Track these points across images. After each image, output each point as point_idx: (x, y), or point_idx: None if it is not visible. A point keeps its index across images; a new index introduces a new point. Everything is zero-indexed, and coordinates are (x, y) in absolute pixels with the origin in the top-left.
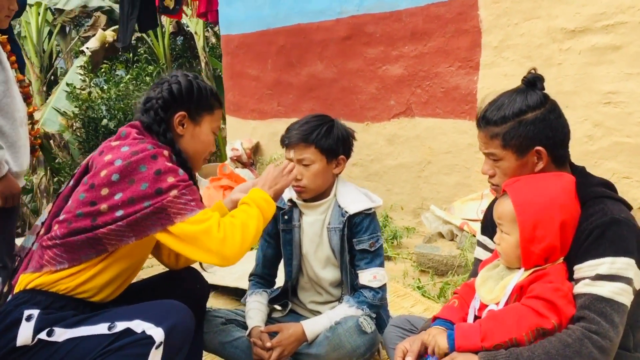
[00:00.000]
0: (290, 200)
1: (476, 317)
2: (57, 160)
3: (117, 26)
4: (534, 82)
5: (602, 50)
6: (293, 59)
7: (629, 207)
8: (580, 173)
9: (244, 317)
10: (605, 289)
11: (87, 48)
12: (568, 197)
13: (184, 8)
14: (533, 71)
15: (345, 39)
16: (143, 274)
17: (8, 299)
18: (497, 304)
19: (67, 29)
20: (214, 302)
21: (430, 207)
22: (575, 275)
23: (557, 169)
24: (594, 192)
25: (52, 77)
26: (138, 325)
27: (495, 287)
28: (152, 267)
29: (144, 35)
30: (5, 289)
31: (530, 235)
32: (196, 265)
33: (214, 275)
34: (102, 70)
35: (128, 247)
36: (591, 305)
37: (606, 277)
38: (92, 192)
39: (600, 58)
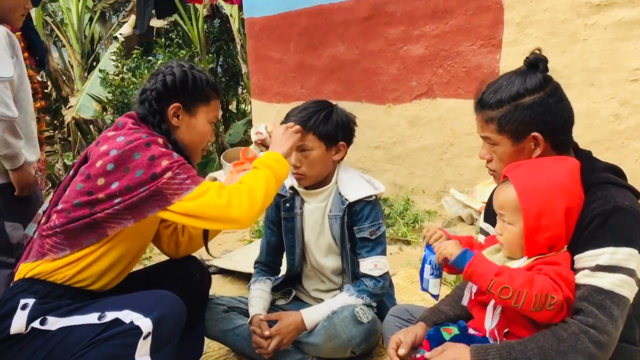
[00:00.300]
0: (292, 188)
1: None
2: None
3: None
4: (535, 63)
5: (629, 24)
6: (315, 40)
7: (638, 194)
8: (585, 157)
9: (247, 304)
10: (605, 281)
11: (120, 34)
12: (573, 182)
13: None
14: (537, 51)
15: (366, 19)
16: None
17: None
18: None
19: (107, 15)
20: (230, 287)
21: (450, 190)
22: (576, 265)
23: (558, 155)
24: (598, 177)
25: (94, 63)
26: (127, 316)
27: None
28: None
29: (177, 19)
30: None
31: (535, 224)
32: (200, 254)
33: (229, 261)
34: (134, 55)
35: (126, 232)
36: (590, 297)
37: (607, 268)
38: (89, 182)
39: (627, 33)
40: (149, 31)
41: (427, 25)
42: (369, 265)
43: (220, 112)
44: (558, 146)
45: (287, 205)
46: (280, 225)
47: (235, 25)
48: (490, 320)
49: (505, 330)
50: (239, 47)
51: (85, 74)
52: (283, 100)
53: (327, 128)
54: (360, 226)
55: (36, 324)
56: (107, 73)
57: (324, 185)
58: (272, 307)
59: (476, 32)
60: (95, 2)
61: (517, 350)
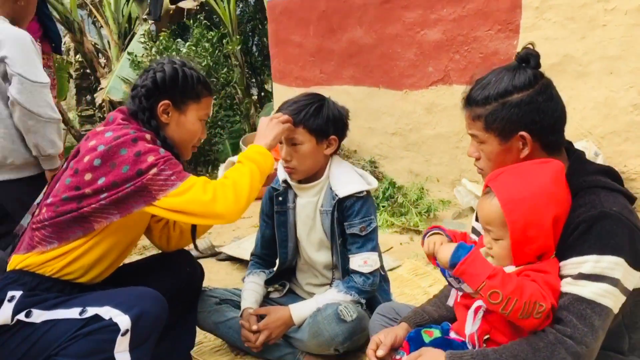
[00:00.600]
0: (285, 182)
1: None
2: None
3: None
4: (526, 58)
5: None
6: (334, 24)
7: (632, 199)
8: (576, 159)
9: (240, 297)
10: (586, 290)
11: (148, 15)
12: (559, 188)
13: None
14: (530, 46)
15: (384, 3)
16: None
17: None
18: None
19: None
20: (237, 275)
21: (462, 180)
22: (560, 273)
23: (548, 155)
24: (588, 181)
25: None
26: (107, 312)
27: None
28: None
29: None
30: None
31: (522, 236)
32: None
33: (237, 248)
34: (162, 38)
35: (113, 226)
36: (570, 307)
37: (590, 277)
38: (77, 177)
39: None
40: (180, 12)
41: (445, 9)
42: (359, 261)
43: (214, 111)
44: (548, 146)
45: (280, 199)
46: (274, 218)
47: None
48: (470, 325)
49: (486, 337)
50: None
51: (122, 54)
52: (303, 85)
53: (318, 122)
54: (351, 222)
55: (21, 316)
56: (136, 55)
57: (315, 180)
58: (266, 300)
59: (494, 16)
60: None
61: (491, 359)
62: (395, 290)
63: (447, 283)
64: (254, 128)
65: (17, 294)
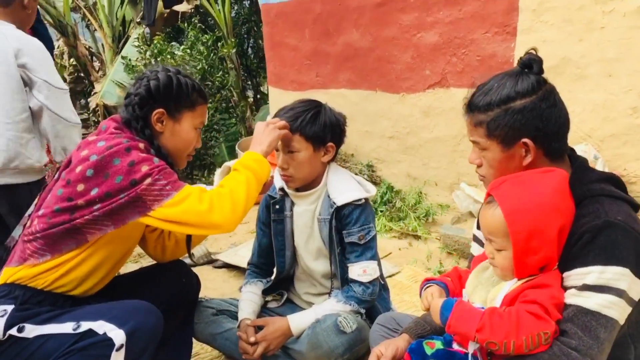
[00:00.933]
0: (282, 190)
1: None
2: None
3: None
4: (529, 64)
5: None
6: (330, 27)
7: (636, 207)
8: (579, 167)
9: (237, 307)
10: (591, 301)
11: (142, 19)
12: (563, 198)
13: None
14: (532, 51)
15: (380, 5)
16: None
17: None
18: None
19: None
20: (234, 283)
21: (461, 184)
22: (564, 283)
23: (551, 163)
24: (591, 190)
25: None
26: (101, 327)
27: (486, 297)
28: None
29: (203, 2)
30: None
31: (525, 246)
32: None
33: (234, 255)
34: (156, 42)
35: (107, 237)
36: (574, 318)
37: (594, 288)
38: (69, 187)
39: None
40: (174, 15)
41: (441, 11)
42: (358, 270)
43: (209, 117)
44: (551, 153)
45: (277, 207)
46: (271, 226)
47: None
48: (472, 345)
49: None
50: None
51: (116, 58)
52: (299, 88)
53: (314, 129)
54: (349, 230)
55: (14, 331)
56: (130, 60)
57: (313, 187)
58: (264, 310)
59: (490, 19)
60: None
61: None
62: (394, 298)
63: None
64: (250, 131)
65: (9, 308)
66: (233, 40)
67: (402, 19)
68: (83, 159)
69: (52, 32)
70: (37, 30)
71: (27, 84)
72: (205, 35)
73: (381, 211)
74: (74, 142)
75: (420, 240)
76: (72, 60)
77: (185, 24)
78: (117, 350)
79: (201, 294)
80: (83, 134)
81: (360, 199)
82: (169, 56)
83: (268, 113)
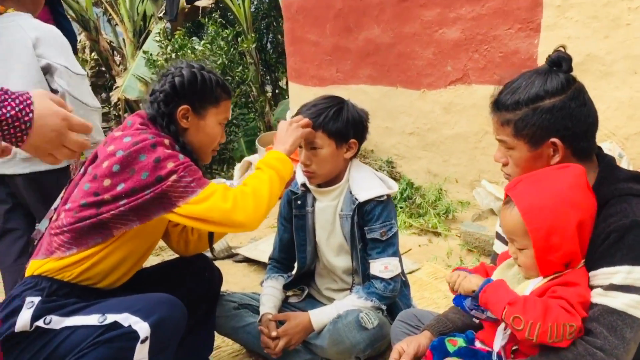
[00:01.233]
0: (304, 185)
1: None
2: None
3: None
4: (558, 62)
5: None
6: (350, 23)
7: None
8: (607, 166)
9: (259, 301)
10: (617, 301)
11: (164, 15)
12: (580, 192)
13: None
14: (561, 49)
15: (402, 1)
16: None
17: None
18: None
19: None
20: (254, 277)
21: (482, 181)
22: (590, 283)
23: (578, 162)
24: (619, 189)
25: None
26: (126, 319)
27: None
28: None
29: None
30: None
31: (546, 244)
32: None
33: (254, 250)
34: (177, 36)
35: (132, 232)
36: (600, 318)
37: (621, 288)
38: (95, 182)
39: None
40: (195, 11)
41: (464, 7)
42: (379, 267)
43: (229, 113)
44: (579, 153)
45: (299, 202)
46: (292, 222)
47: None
48: (499, 342)
49: (514, 348)
50: None
51: (137, 52)
52: (319, 84)
53: (337, 125)
54: (371, 227)
55: (40, 322)
56: (151, 54)
57: (335, 184)
58: (285, 305)
59: (514, 15)
60: None
61: None
62: (415, 294)
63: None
64: (269, 126)
65: (36, 300)
66: (253, 35)
67: (424, 14)
68: (109, 154)
69: (75, 27)
70: (62, 25)
71: (48, 71)
72: (226, 30)
73: (401, 207)
74: (95, 125)
75: (440, 237)
76: (93, 54)
77: (206, 19)
78: (142, 342)
79: (222, 288)
80: (103, 128)
81: (382, 195)
82: (189, 51)
83: (287, 108)
